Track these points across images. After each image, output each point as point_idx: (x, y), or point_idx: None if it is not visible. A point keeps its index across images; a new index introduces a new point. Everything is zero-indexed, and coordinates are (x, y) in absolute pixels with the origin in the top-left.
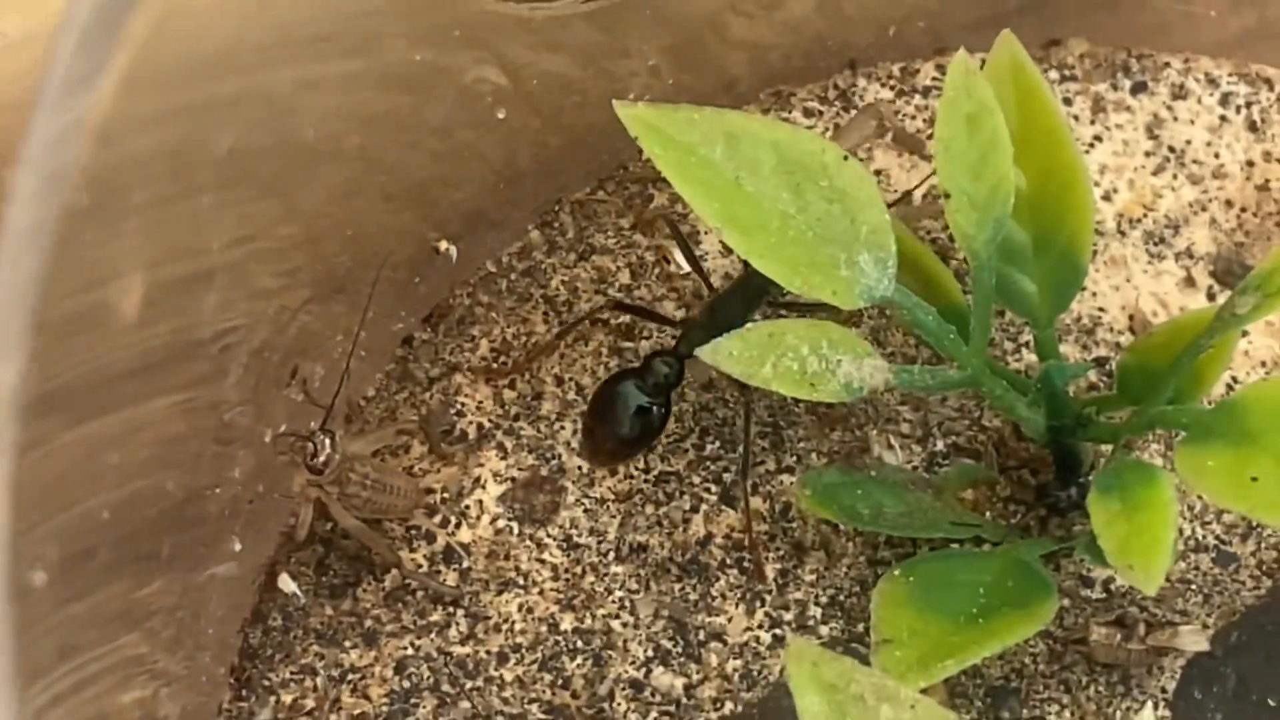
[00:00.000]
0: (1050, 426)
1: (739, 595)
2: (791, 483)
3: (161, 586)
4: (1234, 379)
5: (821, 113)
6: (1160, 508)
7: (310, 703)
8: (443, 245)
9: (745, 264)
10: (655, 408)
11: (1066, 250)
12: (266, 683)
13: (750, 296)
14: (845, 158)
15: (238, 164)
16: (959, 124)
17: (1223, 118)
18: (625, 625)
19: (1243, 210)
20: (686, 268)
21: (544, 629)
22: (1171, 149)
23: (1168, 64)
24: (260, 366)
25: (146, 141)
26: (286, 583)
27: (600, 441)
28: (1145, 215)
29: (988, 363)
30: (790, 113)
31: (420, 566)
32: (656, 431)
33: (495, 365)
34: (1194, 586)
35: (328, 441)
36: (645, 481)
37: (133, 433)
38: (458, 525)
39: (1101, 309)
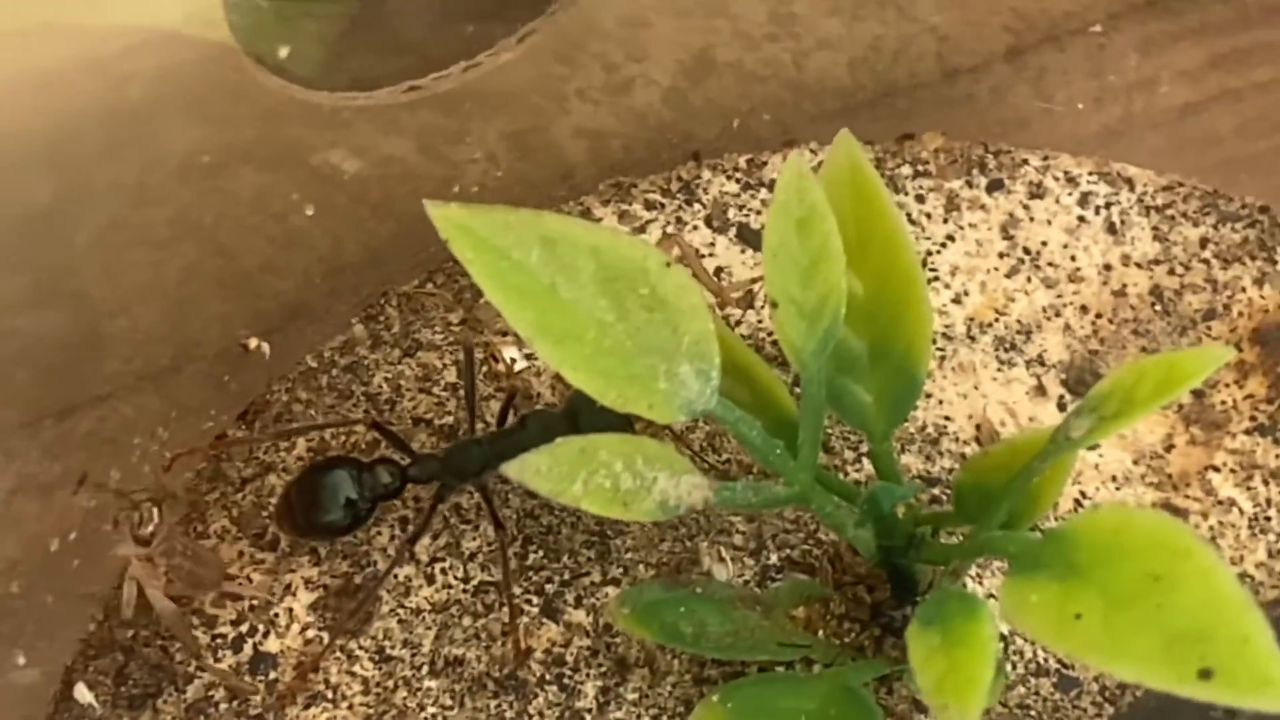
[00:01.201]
0: (881, 546)
1: (557, 714)
2: (616, 595)
3: None
4: (1083, 494)
5: (663, 205)
6: (980, 644)
7: None
8: (253, 342)
9: (519, 418)
10: (360, 507)
11: (903, 360)
12: None
13: (500, 452)
14: (668, 264)
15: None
16: (789, 229)
17: (1081, 218)
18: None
19: (1098, 316)
20: (519, 365)
21: None
22: (1027, 250)
23: (1026, 161)
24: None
25: None
26: (82, 693)
27: (294, 513)
28: (997, 319)
29: (819, 478)
30: (630, 204)
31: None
32: (348, 530)
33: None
34: (1033, 713)
35: (155, 510)
36: (464, 592)
37: None
38: (266, 634)
39: (947, 417)
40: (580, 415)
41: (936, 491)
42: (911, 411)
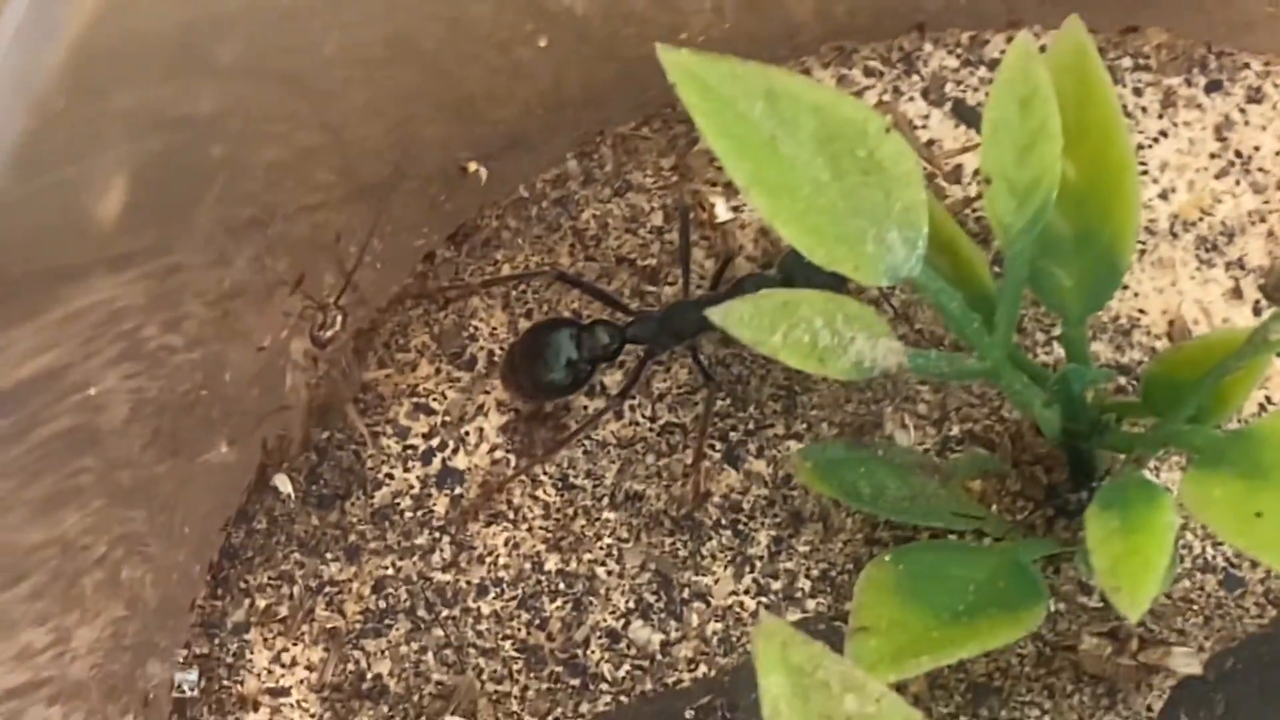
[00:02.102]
0: (1065, 429)
1: (729, 558)
2: (799, 449)
3: (166, 470)
4: (1268, 399)
5: (882, 73)
6: (1158, 531)
7: (284, 610)
8: (472, 166)
9: (733, 282)
10: (581, 367)
11: (1108, 249)
12: (243, 585)
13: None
14: (888, 129)
15: (253, 62)
16: (1011, 107)
17: None
18: (610, 573)
19: None
20: (723, 217)
21: (528, 566)
22: (1238, 153)
23: (1247, 64)
24: (265, 264)
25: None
26: (283, 482)
27: (517, 374)
28: (1201, 219)
29: (1011, 355)
30: (851, 69)
31: (412, 488)
32: (570, 389)
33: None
34: (1195, 607)
35: (339, 318)
36: (650, 430)
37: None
38: (455, 450)
39: (1142, 310)
40: (793, 275)
41: (1124, 382)
42: (1107, 301)
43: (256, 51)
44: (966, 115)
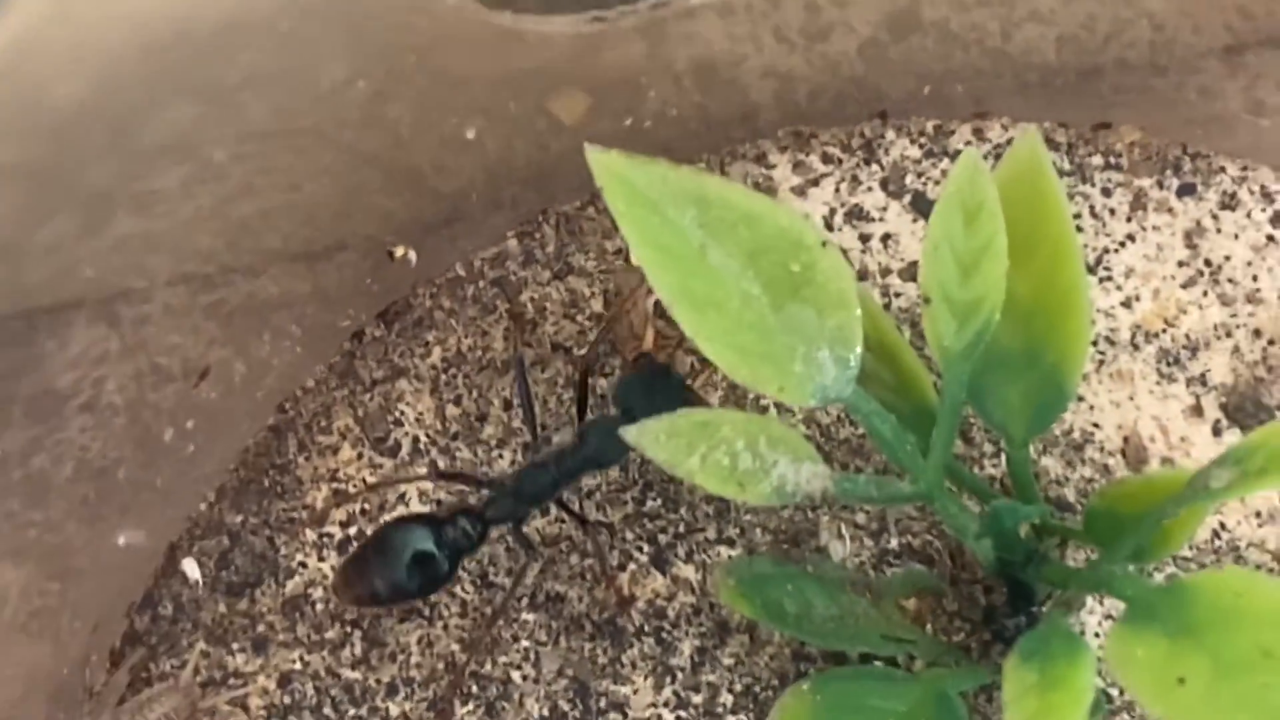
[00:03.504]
0: (999, 558)
1: (650, 667)
2: (729, 555)
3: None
4: (1223, 524)
5: (841, 160)
6: (1076, 691)
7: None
8: (399, 250)
9: (577, 432)
10: (441, 563)
11: (1054, 370)
12: (145, 673)
13: (568, 470)
14: (824, 244)
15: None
16: (956, 222)
17: (1270, 237)
18: (525, 678)
19: (1270, 343)
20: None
21: (440, 666)
22: (1208, 262)
23: (1223, 168)
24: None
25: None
26: (190, 568)
27: (363, 578)
28: (1164, 330)
29: (950, 472)
30: (808, 155)
31: (325, 577)
32: (431, 588)
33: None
34: None
35: None
36: (575, 529)
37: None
38: None
39: (1096, 424)
40: (633, 407)
41: (1072, 499)
42: (1052, 423)
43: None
44: (925, 209)
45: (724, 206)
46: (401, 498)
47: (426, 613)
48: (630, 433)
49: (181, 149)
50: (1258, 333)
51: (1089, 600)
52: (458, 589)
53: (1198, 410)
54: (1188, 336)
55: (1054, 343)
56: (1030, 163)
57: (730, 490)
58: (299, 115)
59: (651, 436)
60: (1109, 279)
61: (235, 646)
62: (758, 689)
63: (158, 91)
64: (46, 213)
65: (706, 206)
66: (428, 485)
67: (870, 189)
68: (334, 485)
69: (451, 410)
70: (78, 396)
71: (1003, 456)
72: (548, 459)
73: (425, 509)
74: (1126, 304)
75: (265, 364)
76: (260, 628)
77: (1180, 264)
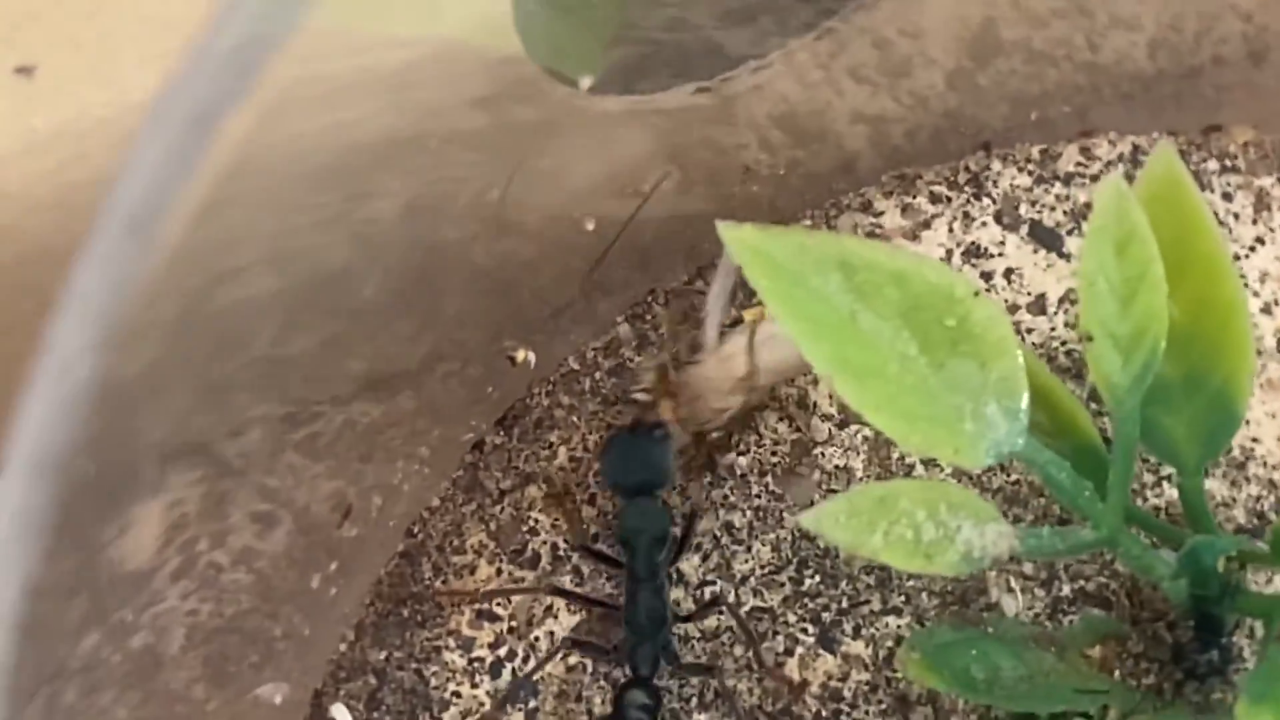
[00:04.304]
0: (1193, 595)
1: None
2: (898, 625)
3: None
4: None
5: (949, 199)
6: None
7: None
8: (520, 354)
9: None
10: None
11: (1221, 392)
12: None
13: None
14: (976, 293)
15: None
16: (1107, 253)
17: None
18: None
19: None
20: None
21: None
22: None
23: None
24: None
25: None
26: (342, 714)
27: None
28: None
29: (1130, 512)
30: (915, 197)
31: (481, 704)
32: None
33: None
34: None
35: None
36: (720, 618)
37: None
38: (525, 659)
39: (1255, 439)
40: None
41: (1243, 520)
42: (1225, 446)
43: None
44: (1045, 238)
45: (869, 268)
46: (548, 609)
47: None
48: (807, 519)
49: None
50: None
51: None
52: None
53: None
54: None
55: (1219, 364)
56: (1168, 179)
57: (917, 564)
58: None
59: (830, 519)
60: (1245, 286)
61: None
62: None
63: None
64: None
65: (851, 271)
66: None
67: (985, 224)
68: (476, 607)
69: (587, 511)
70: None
71: (1164, 486)
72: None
73: (575, 618)
74: (1266, 310)
75: (397, 490)
76: None
77: None
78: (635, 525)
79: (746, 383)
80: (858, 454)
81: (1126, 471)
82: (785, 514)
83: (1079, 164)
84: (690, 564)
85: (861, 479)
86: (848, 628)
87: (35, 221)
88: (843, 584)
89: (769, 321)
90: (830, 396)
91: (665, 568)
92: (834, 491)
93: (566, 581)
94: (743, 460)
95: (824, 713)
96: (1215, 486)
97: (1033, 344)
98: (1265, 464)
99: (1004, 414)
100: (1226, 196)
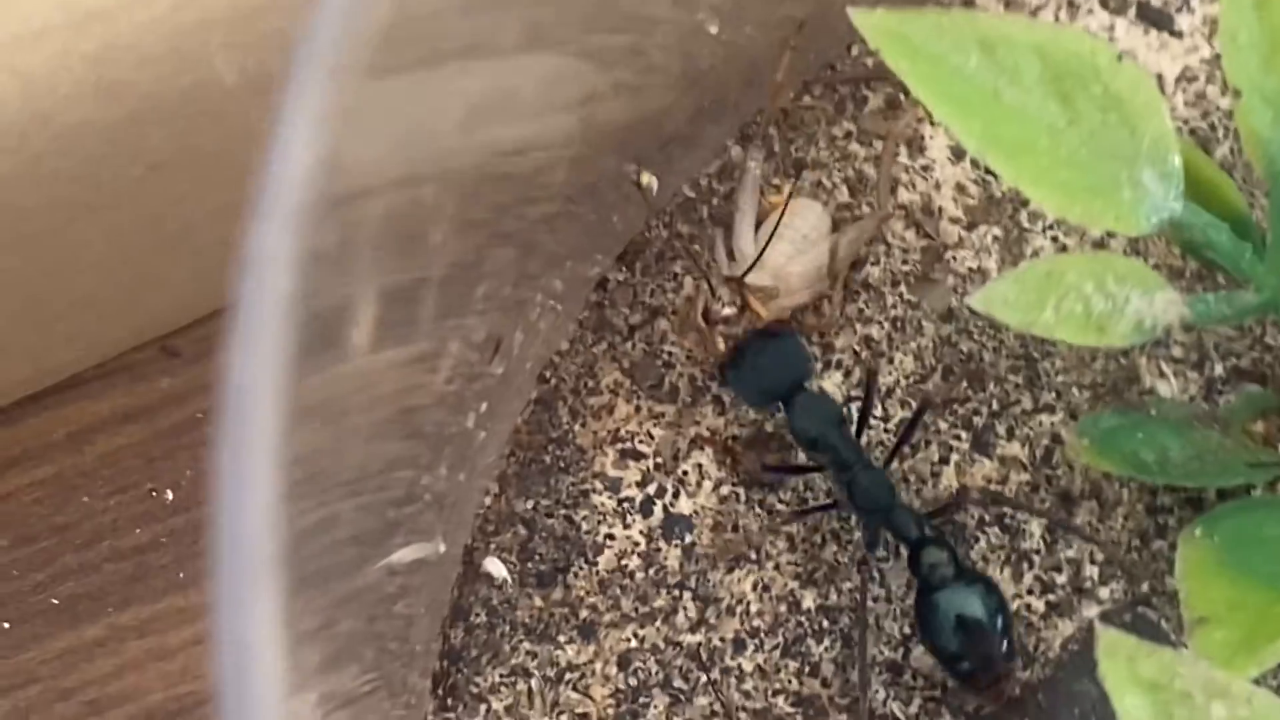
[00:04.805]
0: None
1: (1002, 557)
2: (1052, 423)
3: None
4: None
5: None
6: None
7: (526, 708)
8: (644, 178)
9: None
10: (976, 588)
11: None
12: (474, 689)
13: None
14: (1119, 57)
15: None
16: (1245, 6)
17: None
18: (875, 600)
19: None
20: (916, 165)
21: (784, 609)
22: None
23: None
24: (464, 348)
25: None
26: (496, 567)
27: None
28: None
29: None
30: None
31: (636, 545)
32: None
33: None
34: None
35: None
36: (885, 432)
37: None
38: (676, 495)
39: None
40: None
41: None
42: None
43: None
44: (1154, 18)
45: (1008, 43)
46: (694, 442)
47: (754, 556)
48: (976, 301)
49: None
50: None
51: None
52: (777, 522)
53: None
54: None
55: None
56: None
57: (1090, 337)
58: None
59: (999, 299)
60: None
61: (562, 639)
62: (1120, 553)
63: None
64: None
65: (990, 47)
66: (718, 423)
67: (1091, 10)
68: (619, 446)
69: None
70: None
71: None
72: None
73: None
74: None
75: (534, 328)
76: (583, 613)
77: None
78: (808, 423)
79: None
80: (990, 254)
81: None
82: (924, 321)
83: None
84: (832, 381)
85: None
86: (1001, 430)
87: (145, 75)
88: (990, 386)
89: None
90: (955, 199)
91: (858, 442)
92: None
93: (709, 412)
94: (875, 271)
95: (986, 518)
96: None
97: None
98: None
99: (1159, 178)
100: None
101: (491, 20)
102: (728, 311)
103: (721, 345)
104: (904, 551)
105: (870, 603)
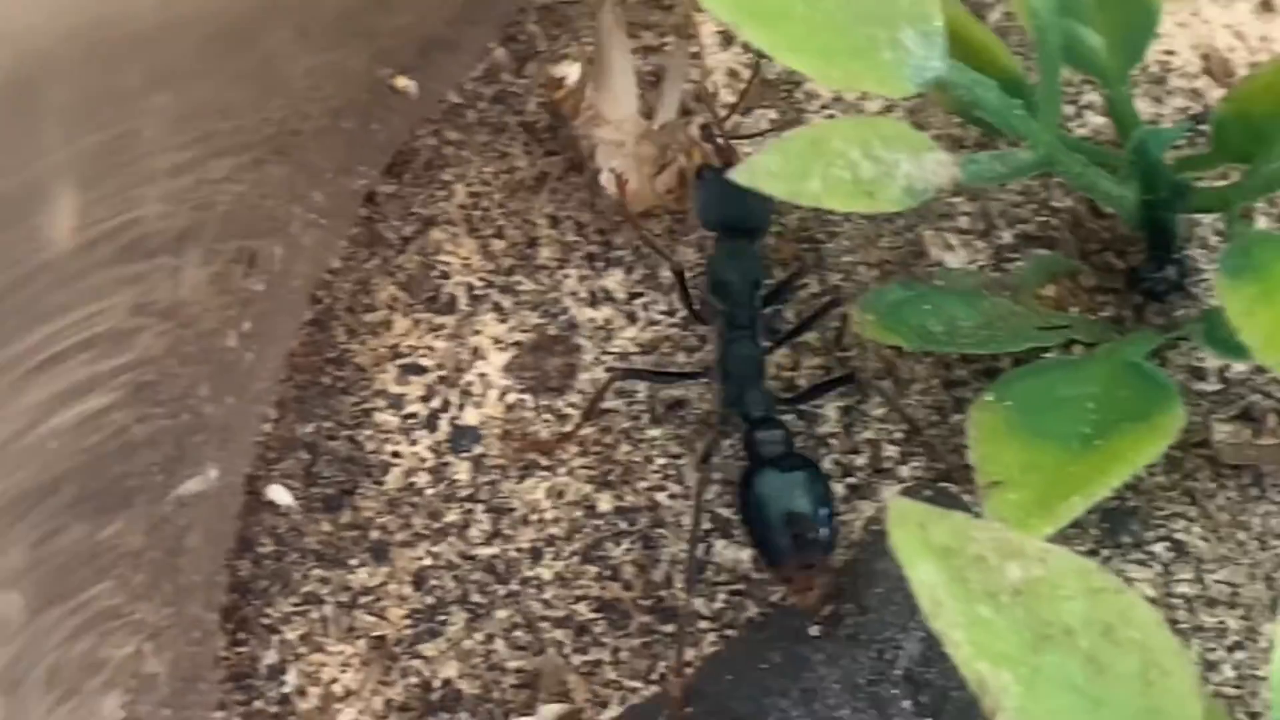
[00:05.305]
0: (1144, 201)
1: (800, 444)
2: (841, 310)
3: (124, 525)
4: None
5: None
6: None
7: (321, 637)
8: (400, 81)
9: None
10: (803, 474)
11: None
12: (265, 620)
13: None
14: None
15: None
16: None
17: None
18: (673, 497)
19: None
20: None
21: (579, 514)
22: None
23: None
24: (210, 259)
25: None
26: (280, 494)
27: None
28: None
29: (1060, 137)
30: None
31: (424, 460)
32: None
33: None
34: None
35: None
36: (672, 326)
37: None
38: (461, 406)
39: (1169, 52)
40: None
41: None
42: (1146, 48)
43: None
44: None
45: None
46: (475, 352)
47: (545, 462)
48: (740, 174)
49: None
50: None
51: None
52: (568, 426)
53: (1267, 5)
54: None
55: None
56: None
57: (861, 204)
58: None
59: (763, 171)
60: None
61: (353, 563)
62: (921, 428)
63: None
64: None
65: None
66: (499, 330)
67: None
68: (399, 362)
69: (496, 244)
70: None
71: (1085, 114)
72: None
73: (506, 356)
74: None
75: (296, 243)
76: (374, 534)
77: None
78: (737, 268)
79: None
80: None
81: (1054, 84)
82: None
83: None
84: (615, 280)
85: None
86: (789, 314)
87: None
88: (775, 271)
89: None
90: (728, 85)
91: (760, 318)
92: None
93: (489, 320)
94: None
95: (784, 409)
96: (1139, 106)
97: None
98: (1184, 74)
99: (921, 38)
100: None
101: None
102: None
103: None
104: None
105: (668, 500)
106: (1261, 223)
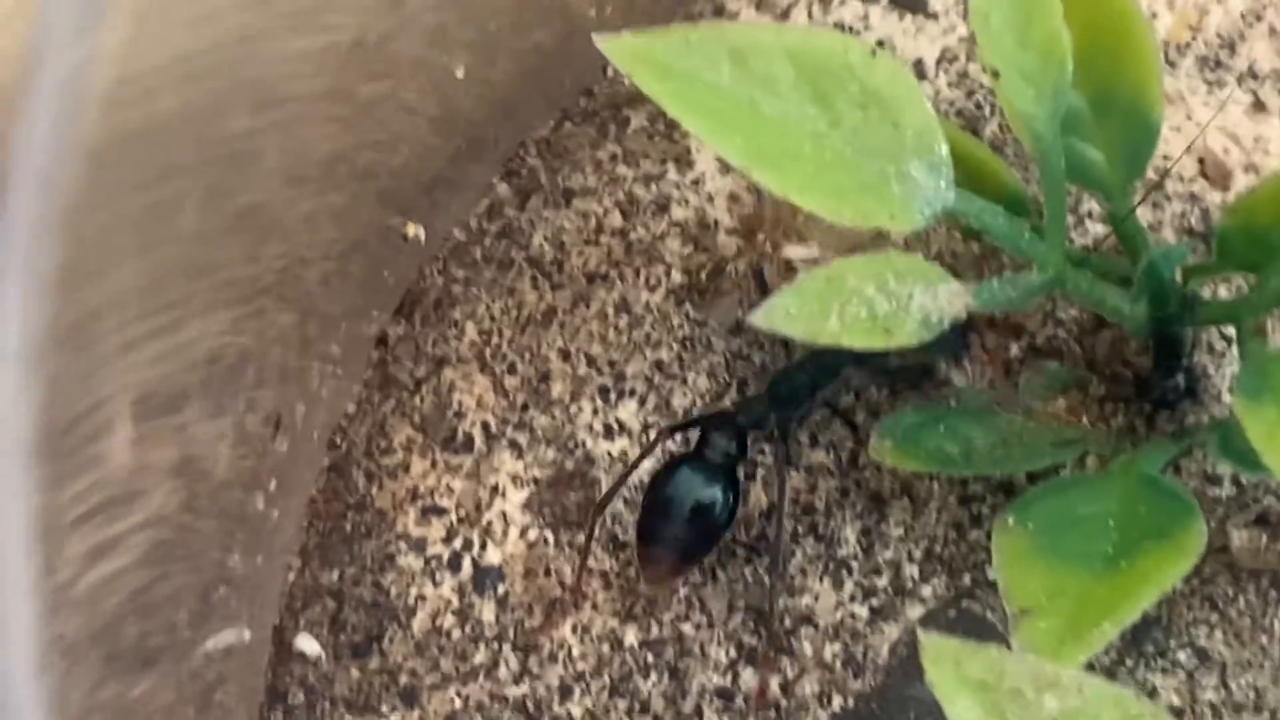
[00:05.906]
0: (1153, 317)
1: (820, 567)
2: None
3: (154, 683)
4: None
5: None
6: None
7: None
8: (410, 229)
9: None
10: (721, 493)
11: (1133, 105)
12: None
13: (819, 372)
14: (873, 52)
15: None
16: None
17: None
18: (698, 627)
19: None
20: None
21: (606, 649)
22: None
23: None
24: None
25: None
26: (308, 644)
27: (657, 552)
28: (1193, 38)
29: (1067, 253)
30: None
31: (449, 602)
32: (723, 525)
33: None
34: None
35: None
36: None
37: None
38: (483, 546)
39: (1165, 157)
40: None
41: (1172, 236)
42: (1149, 161)
43: None
44: (906, 2)
45: (760, 51)
46: (495, 490)
47: (570, 599)
48: (758, 317)
49: None
50: None
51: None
52: (591, 561)
53: (1260, 105)
54: (1219, 35)
55: (1124, 77)
56: None
57: (878, 340)
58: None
59: (782, 313)
60: None
61: (384, 709)
62: (938, 548)
63: None
64: None
65: (741, 57)
66: (517, 468)
67: (843, 1)
68: (419, 504)
69: (510, 381)
70: None
71: (1087, 225)
72: (804, 360)
73: (524, 493)
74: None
75: (315, 396)
76: (403, 678)
77: None
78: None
79: None
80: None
81: (1059, 206)
82: (712, 338)
83: None
84: (628, 410)
85: None
86: (803, 438)
87: None
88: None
89: None
90: (729, 210)
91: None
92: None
93: (507, 458)
94: (654, 297)
95: (800, 528)
96: (1138, 213)
97: None
98: (1181, 179)
99: (927, 169)
100: None
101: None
102: None
103: None
104: (721, 575)
105: (692, 631)
106: (1275, 337)
